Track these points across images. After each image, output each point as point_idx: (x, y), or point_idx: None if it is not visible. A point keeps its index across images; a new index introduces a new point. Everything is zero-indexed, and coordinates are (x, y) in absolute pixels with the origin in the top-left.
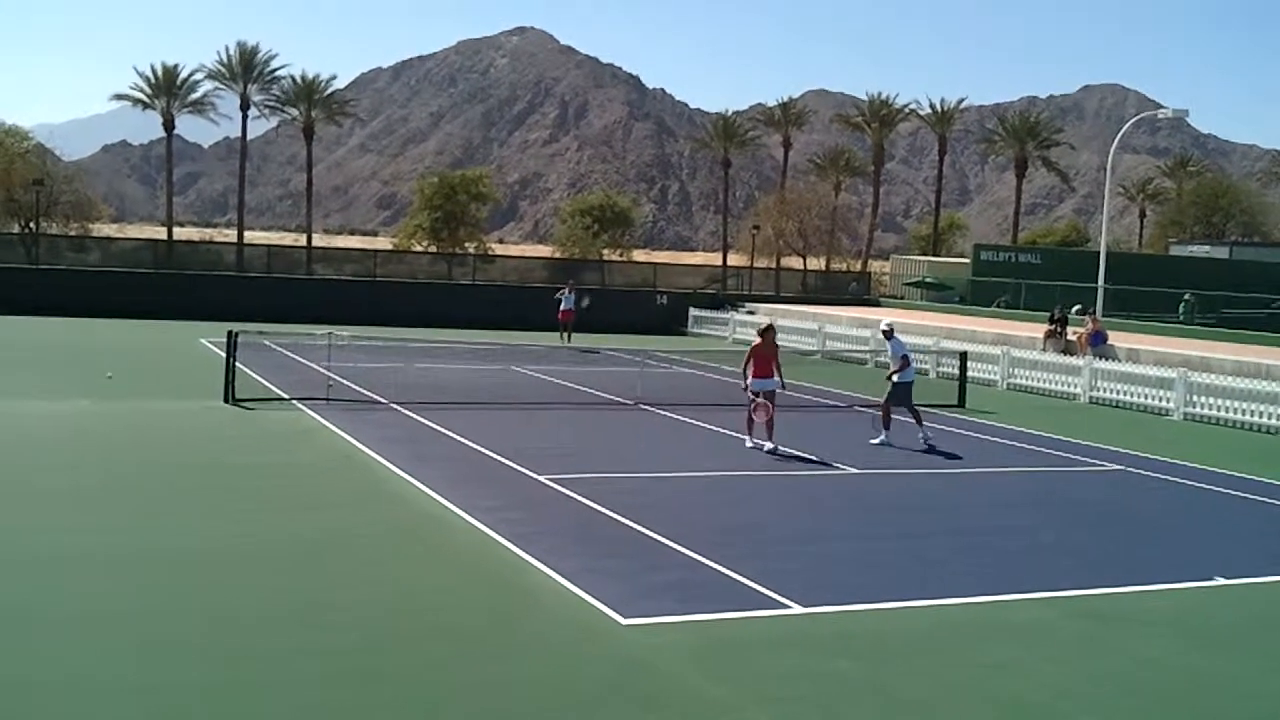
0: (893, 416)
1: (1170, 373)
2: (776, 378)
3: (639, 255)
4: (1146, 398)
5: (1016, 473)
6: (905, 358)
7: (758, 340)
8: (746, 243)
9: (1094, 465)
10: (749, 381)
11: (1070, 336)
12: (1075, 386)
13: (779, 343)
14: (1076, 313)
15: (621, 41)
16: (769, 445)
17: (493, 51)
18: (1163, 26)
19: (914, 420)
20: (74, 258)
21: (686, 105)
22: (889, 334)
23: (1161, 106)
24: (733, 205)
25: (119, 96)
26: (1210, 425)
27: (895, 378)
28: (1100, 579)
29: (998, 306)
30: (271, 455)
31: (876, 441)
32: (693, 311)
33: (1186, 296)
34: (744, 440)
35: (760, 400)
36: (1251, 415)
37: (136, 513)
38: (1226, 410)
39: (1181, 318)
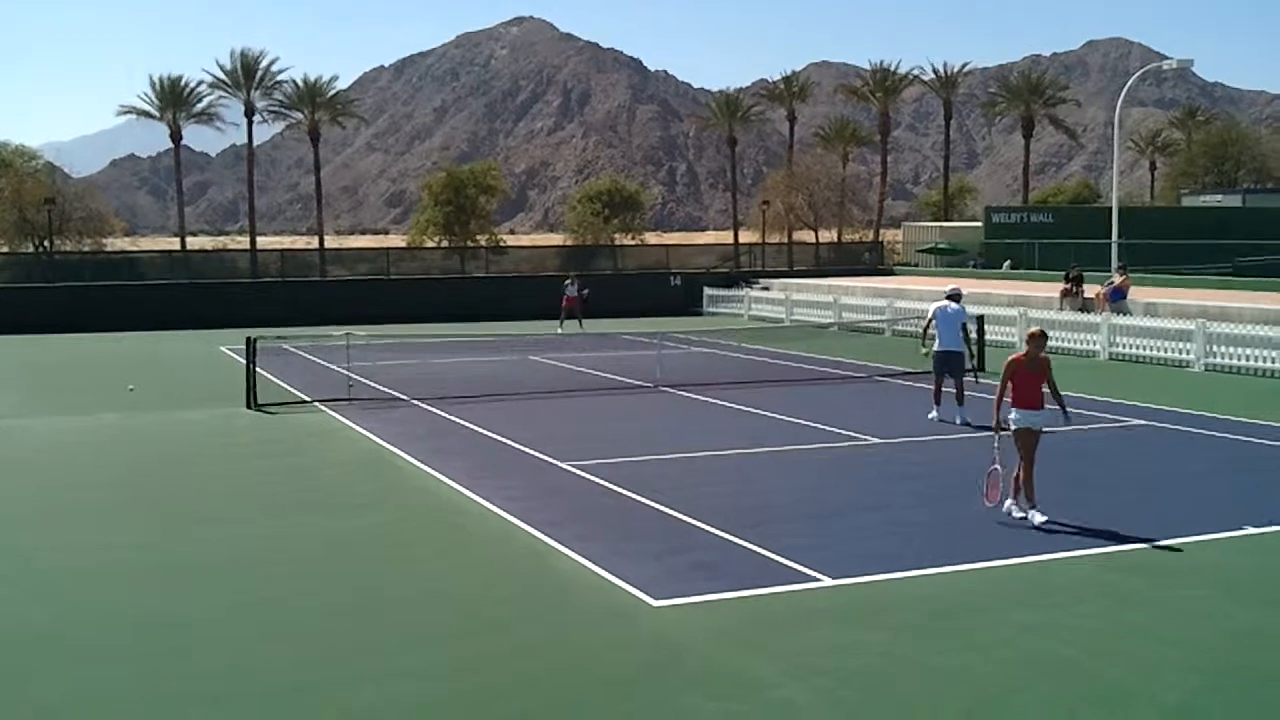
0: (943, 390)
1: (1189, 324)
2: (1048, 408)
3: (650, 238)
4: (1166, 351)
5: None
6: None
7: (1019, 354)
8: (757, 219)
9: (1116, 420)
10: (1012, 415)
11: (1088, 294)
12: (1094, 344)
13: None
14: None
15: (621, 25)
16: (1040, 517)
17: (492, 43)
18: None
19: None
20: (89, 274)
21: (690, 85)
22: (954, 298)
23: (1166, 58)
24: (741, 182)
25: (125, 110)
26: (1231, 375)
27: (935, 346)
28: (1129, 534)
29: (1006, 269)
30: (296, 457)
31: (932, 416)
32: (707, 291)
33: None
34: (984, 501)
35: (1013, 439)
36: (1273, 362)
37: (167, 522)
38: (1247, 359)
39: None
